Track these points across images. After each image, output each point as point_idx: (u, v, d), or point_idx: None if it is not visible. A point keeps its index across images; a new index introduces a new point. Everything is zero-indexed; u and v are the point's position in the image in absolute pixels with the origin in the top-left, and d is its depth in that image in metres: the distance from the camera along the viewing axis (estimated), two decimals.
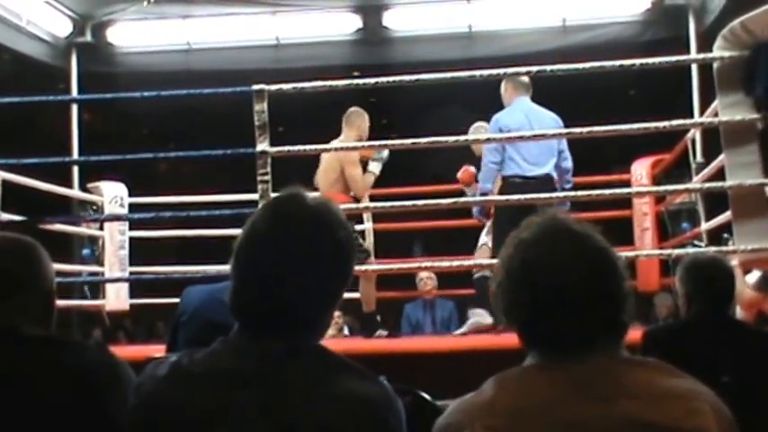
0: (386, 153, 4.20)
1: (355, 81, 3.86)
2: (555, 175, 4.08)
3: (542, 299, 1.04)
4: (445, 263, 4.11)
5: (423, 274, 5.32)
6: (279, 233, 1.09)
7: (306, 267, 1.08)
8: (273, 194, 3.09)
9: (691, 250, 3.81)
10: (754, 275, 3.37)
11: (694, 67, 4.95)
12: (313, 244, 1.09)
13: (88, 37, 5.70)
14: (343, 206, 3.84)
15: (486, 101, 4.15)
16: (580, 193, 3.90)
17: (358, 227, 5.41)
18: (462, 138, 3.70)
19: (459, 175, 4.48)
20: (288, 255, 1.07)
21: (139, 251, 5.36)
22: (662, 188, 4.42)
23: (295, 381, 1.03)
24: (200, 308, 2.22)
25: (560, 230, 1.08)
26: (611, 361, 1.02)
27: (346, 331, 5.94)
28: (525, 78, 4.12)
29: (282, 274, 1.07)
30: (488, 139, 3.98)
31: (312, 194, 1.14)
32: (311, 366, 1.05)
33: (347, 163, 4.10)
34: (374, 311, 4.26)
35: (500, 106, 4.12)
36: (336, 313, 5.35)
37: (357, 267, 3.67)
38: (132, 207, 5.33)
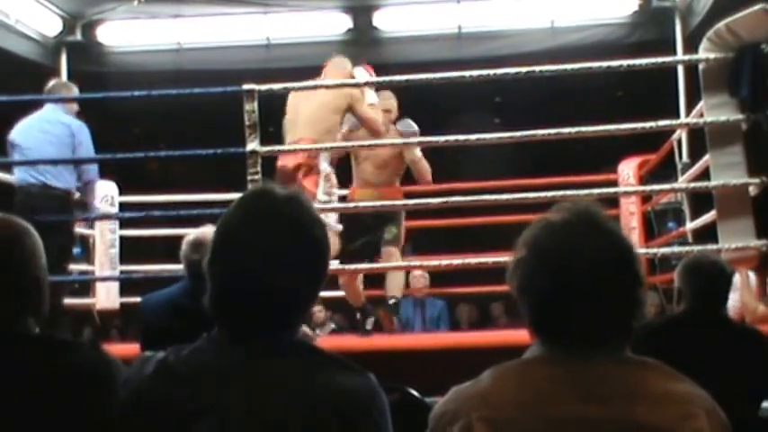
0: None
1: (345, 81, 3.88)
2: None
3: (560, 288, 1.00)
4: (434, 262, 4.13)
5: (415, 273, 5.34)
6: (254, 232, 1.08)
7: (282, 266, 1.07)
8: None
9: (677, 249, 3.85)
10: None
11: (680, 69, 5.00)
12: (289, 242, 1.08)
13: (78, 36, 5.68)
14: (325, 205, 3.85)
15: (474, 101, 4.18)
16: (568, 192, 3.93)
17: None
18: (453, 138, 3.71)
19: None
20: (264, 254, 1.07)
21: (130, 250, 5.36)
22: (648, 188, 4.46)
23: (277, 378, 1.03)
24: (164, 319, 2.25)
25: (591, 221, 1.03)
26: (613, 361, 1.01)
27: (332, 325, 5.96)
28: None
29: (259, 273, 1.06)
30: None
31: (282, 190, 1.12)
32: (293, 363, 1.05)
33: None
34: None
35: (491, 106, 4.12)
36: (317, 308, 5.36)
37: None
38: (123, 206, 5.32)
